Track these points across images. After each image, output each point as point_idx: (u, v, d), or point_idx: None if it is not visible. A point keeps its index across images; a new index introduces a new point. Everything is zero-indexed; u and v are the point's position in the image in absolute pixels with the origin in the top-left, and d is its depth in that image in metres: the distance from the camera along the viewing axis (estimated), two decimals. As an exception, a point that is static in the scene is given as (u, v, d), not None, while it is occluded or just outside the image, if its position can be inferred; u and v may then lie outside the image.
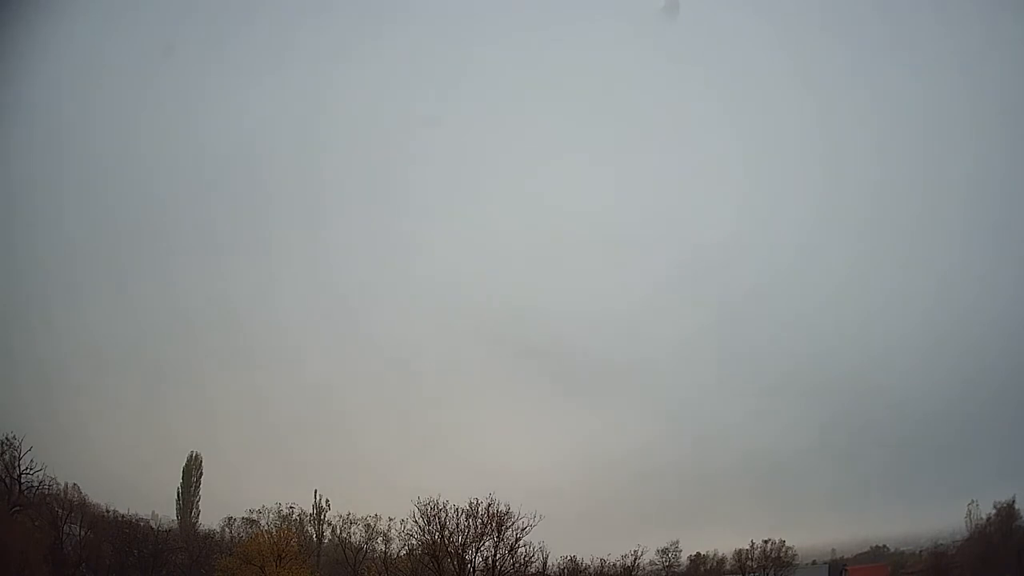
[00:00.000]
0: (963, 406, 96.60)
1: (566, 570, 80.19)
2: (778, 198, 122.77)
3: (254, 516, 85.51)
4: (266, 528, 79.95)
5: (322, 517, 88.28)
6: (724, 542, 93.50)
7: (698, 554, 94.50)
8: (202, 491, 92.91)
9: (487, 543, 71.30)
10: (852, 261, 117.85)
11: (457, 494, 71.22)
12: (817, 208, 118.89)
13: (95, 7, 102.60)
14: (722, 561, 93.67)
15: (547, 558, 75.61)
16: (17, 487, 66.60)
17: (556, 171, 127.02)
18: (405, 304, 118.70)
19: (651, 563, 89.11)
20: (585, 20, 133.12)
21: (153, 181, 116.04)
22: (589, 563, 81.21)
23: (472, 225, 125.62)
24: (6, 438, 66.16)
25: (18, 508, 65.19)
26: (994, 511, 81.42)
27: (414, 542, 72.81)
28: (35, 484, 67.42)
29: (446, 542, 70.66)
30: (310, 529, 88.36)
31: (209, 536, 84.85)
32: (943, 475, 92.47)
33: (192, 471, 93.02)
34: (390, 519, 77.61)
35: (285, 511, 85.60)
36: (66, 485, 73.10)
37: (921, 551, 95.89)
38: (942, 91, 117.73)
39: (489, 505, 71.10)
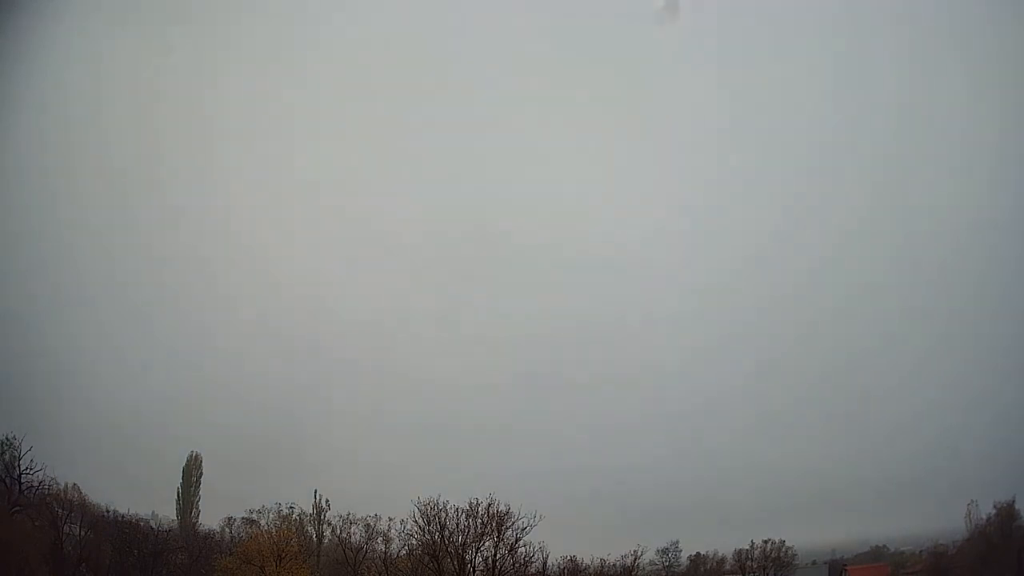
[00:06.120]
0: (963, 405, 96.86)
1: (566, 570, 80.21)
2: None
3: (254, 516, 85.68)
4: (266, 528, 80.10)
5: (322, 517, 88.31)
6: (724, 542, 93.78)
7: (698, 554, 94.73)
8: (202, 491, 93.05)
9: (487, 543, 71.51)
10: (844, 255, 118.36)
11: (457, 493, 71.62)
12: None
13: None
14: (722, 561, 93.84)
15: (547, 558, 75.89)
16: (17, 487, 66.60)
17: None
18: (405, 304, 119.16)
19: (651, 563, 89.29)
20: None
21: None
22: (589, 563, 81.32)
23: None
24: (6, 438, 66.36)
25: (18, 508, 65.14)
26: (994, 511, 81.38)
27: (414, 542, 73.09)
28: (35, 484, 67.45)
29: (446, 542, 70.74)
30: (310, 529, 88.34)
31: (209, 536, 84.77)
32: (943, 475, 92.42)
33: (192, 471, 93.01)
34: (390, 519, 77.55)
35: (285, 511, 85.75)
36: (66, 485, 73.21)
37: (921, 551, 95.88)
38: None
39: (489, 505, 71.40)
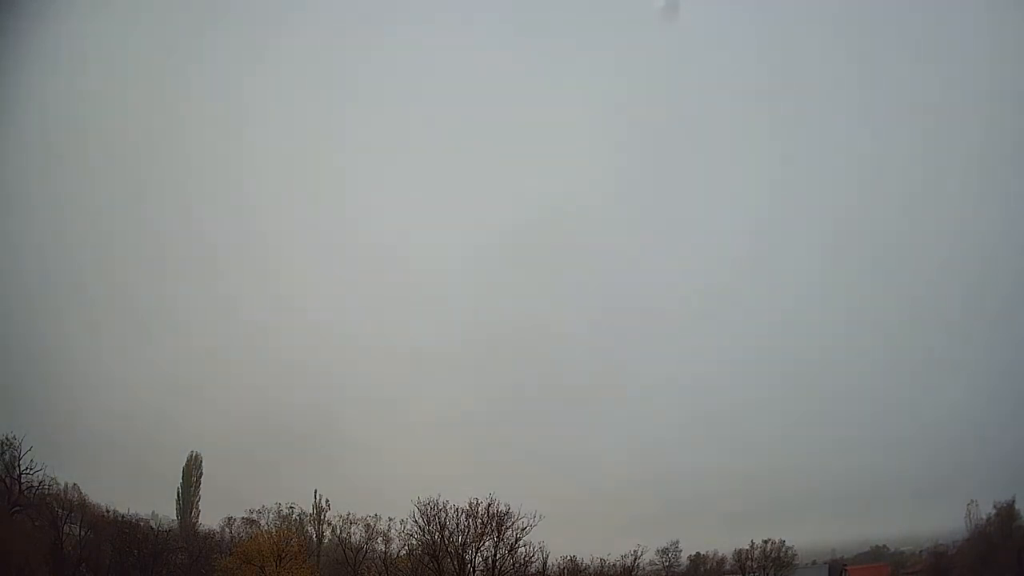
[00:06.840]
0: (963, 405, 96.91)
1: (566, 570, 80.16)
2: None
3: (254, 516, 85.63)
4: (266, 528, 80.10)
5: (322, 517, 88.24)
6: (724, 542, 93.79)
7: (698, 554, 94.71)
8: (202, 491, 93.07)
9: (487, 543, 71.49)
10: (841, 263, 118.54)
11: (457, 493, 71.65)
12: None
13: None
14: (722, 561, 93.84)
15: (547, 558, 75.85)
16: (17, 487, 66.55)
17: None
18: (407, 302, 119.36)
19: (651, 563, 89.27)
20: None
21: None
22: (589, 563, 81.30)
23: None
24: (6, 438, 66.24)
25: (18, 508, 65.21)
26: (994, 511, 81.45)
27: (414, 542, 73.06)
28: (35, 484, 67.41)
29: (446, 542, 70.74)
30: (310, 529, 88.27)
31: (209, 536, 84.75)
32: (943, 475, 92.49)
33: (192, 471, 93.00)
34: (390, 519, 77.56)
35: (285, 511, 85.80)
36: (66, 485, 73.19)
37: (921, 551, 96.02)
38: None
39: (489, 505, 71.38)
